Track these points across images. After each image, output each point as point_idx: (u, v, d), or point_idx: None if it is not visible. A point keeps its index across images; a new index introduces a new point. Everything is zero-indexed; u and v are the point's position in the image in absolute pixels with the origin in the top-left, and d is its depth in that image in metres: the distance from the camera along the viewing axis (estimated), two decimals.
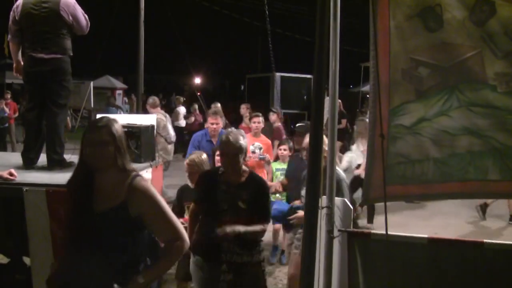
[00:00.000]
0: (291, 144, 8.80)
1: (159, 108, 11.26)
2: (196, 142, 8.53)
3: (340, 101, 17.87)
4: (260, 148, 8.92)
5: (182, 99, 23.15)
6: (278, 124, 11.68)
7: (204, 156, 5.82)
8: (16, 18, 6.00)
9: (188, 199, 5.77)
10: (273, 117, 11.87)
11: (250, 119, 9.47)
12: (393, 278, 3.93)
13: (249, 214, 4.58)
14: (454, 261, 3.90)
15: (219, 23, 42.65)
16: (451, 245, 4.02)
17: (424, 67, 3.85)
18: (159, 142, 9.80)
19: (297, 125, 7.59)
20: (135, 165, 6.32)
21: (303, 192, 5.46)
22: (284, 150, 8.54)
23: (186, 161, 5.96)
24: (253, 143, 8.86)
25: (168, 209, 3.51)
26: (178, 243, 3.46)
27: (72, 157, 6.36)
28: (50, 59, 5.93)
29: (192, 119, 21.47)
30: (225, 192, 4.66)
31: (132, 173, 3.52)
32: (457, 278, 3.89)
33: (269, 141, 9.44)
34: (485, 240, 3.88)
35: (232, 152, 4.58)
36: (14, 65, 6.28)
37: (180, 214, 5.80)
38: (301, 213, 5.26)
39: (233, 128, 4.70)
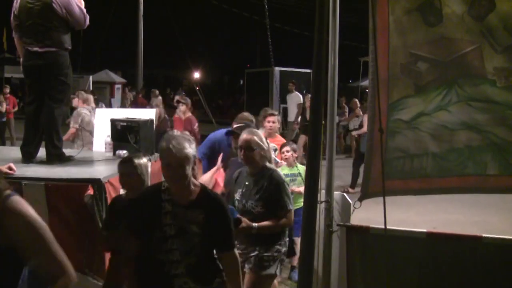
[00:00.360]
0: (294, 145, 7.68)
1: (86, 104, 11.18)
2: (217, 145, 7.25)
3: (309, 95, 17.95)
4: (275, 150, 7.65)
5: (157, 92, 22.89)
6: (189, 114, 11.35)
7: (145, 160, 4.70)
8: (15, 13, 6.01)
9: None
10: (182, 107, 11.48)
11: (264, 117, 8.74)
12: (392, 272, 3.94)
13: (206, 240, 3.65)
14: (453, 255, 3.91)
15: (218, 18, 42.59)
16: (450, 240, 4.02)
17: (423, 61, 3.85)
18: (85, 136, 9.80)
19: (235, 126, 6.02)
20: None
21: (237, 195, 4.86)
22: (287, 152, 7.40)
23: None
24: (273, 144, 7.53)
25: (51, 237, 2.84)
26: (62, 280, 2.83)
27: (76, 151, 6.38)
28: (45, 52, 5.93)
29: None
30: (171, 214, 3.67)
31: (4, 192, 2.82)
32: (455, 272, 3.90)
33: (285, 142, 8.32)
34: (483, 235, 3.89)
35: (176, 162, 3.60)
36: (22, 60, 6.28)
37: None
38: (245, 222, 4.60)
39: (175, 131, 3.78)
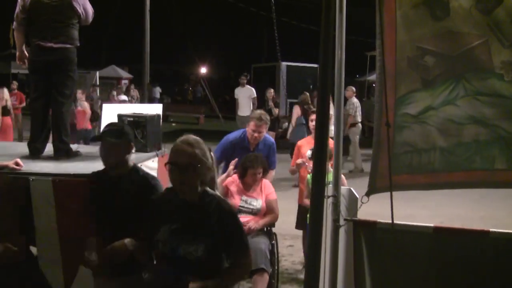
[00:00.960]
0: None
1: None
2: (230, 148, 6.74)
3: (272, 90, 17.76)
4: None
5: (123, 88, 23.27)
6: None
7: None
8: (25, 6, 6.00)
9: None
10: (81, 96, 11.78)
11: (307, 115, 8.06)
12: (399, 267, 3.94)
13: None
14: (460, 250, 3.91)
15: (225, 12, 42.56)
16: (457, 234, 4.02)
17: (430, 55, 3.83)
18: None
19: (105, 128, 4.49)
20: (141, 155, 6.36)
21: (162, 235, 3.49)
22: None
23: None
24: (312, 147, 6.72)
25: None
26: None
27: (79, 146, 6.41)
28: (59, 48, 5.98)
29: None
30: None
31: None
32: (463, 267, 3.89)
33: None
34: (491, 229, 3.88)
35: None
36: (18, 53, 6.29)
37: None
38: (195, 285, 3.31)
39: None
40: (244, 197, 6.37)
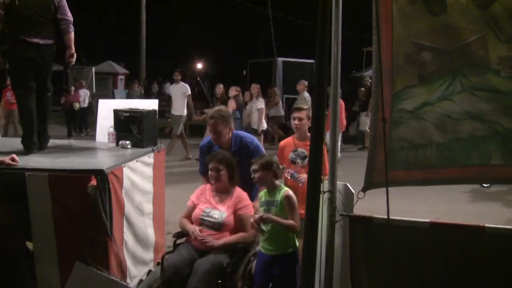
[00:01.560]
0: (274, 158, 5.23)
1: None
2: (205, 155, 5.85)
3: (222, 85, 17.06)
4: (305, 157, 5.96)
5: (84, 82, 23.18)
6: None
7: None
8: (6, 2, 5.98)
9: None
10: None
11: (290, 113, 6.78)
12: (395, 262, 3.94)
13: None
14: (456, 245, 3.91)
15: (221, 8, 42.50)
16: (453, 230, 4.02)
17: (427, 51, 3.82)
18: None
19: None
20: (137, 150, 6.35)
21: None
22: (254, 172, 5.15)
23: None
24: (295, 148, 6.11)
25: None
26: None
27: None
28: (44, 44, 6.05)
29: (63, 99, 22.22)
30: None
31: None
32: (459, 262, 3.90)
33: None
34: (486, 225, 3.88)
35: None
36: None
37: None
38: None
39: None
40: (208, 208, 5.40)
